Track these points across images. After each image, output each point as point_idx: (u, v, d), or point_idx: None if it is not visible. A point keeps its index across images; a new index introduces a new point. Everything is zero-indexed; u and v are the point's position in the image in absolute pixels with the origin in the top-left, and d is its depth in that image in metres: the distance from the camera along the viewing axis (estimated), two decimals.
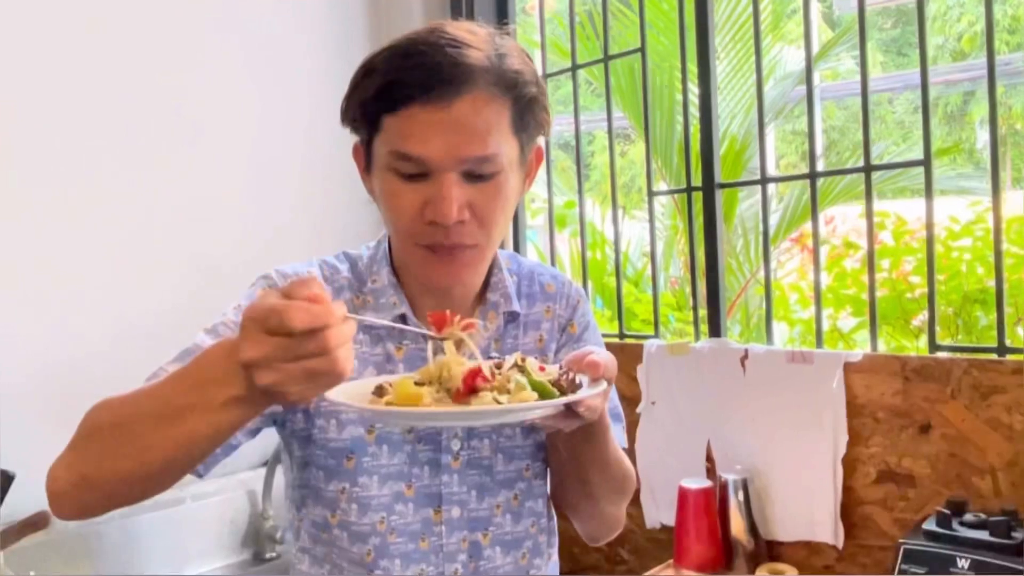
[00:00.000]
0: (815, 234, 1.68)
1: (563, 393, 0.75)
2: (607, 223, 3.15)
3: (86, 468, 0.74)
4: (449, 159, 0.82)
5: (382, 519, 0.92)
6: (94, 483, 0.74)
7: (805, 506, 1.57)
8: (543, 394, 0.73)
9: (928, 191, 1.49)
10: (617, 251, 2.01)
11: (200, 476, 0.86)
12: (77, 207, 1.63)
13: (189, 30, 1.79)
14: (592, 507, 0.99)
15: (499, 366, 0.77)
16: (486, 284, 0.96)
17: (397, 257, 0.94)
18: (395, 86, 0.82)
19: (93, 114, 1.65)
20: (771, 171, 4.14)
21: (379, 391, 0.77)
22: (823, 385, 1.54)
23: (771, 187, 3.15)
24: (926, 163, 1.48)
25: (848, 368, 1.52)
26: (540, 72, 2.09)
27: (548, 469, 1.01)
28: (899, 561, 1.26)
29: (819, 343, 1.64)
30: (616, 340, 1.98)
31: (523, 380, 0.74)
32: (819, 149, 5.23)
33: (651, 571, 1.65)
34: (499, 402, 0.72)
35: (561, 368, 0.80)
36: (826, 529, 1.54)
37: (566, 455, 0.93)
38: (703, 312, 1.84)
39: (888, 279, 1.97)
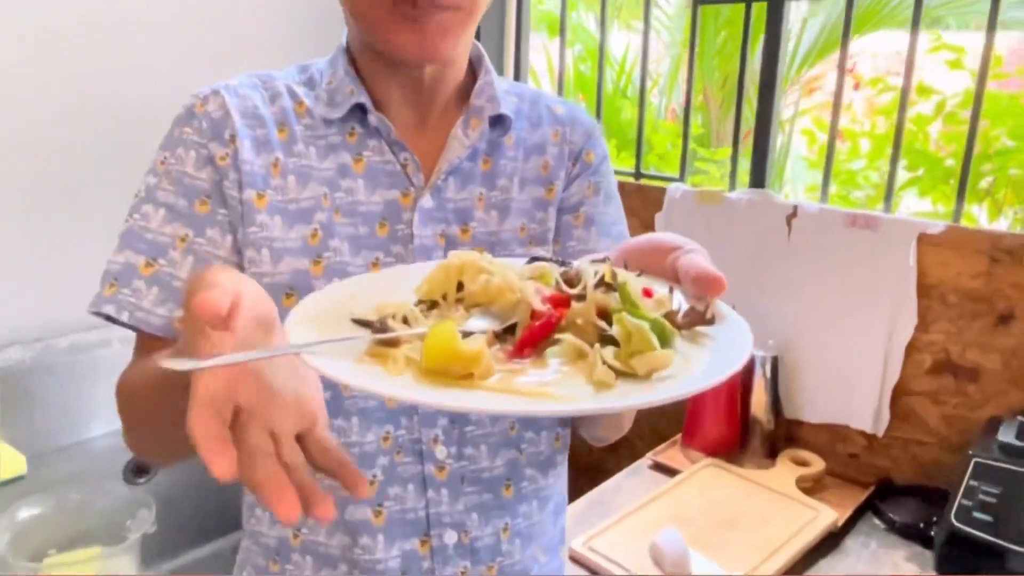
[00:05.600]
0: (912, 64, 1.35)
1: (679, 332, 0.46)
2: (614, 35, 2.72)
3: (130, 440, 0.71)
4: None
5: None
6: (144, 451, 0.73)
7: (843, 389, 1.38)
8: (663, 340, 0.44)
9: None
10: (644, 58, 1.67)
11: None
12: None
13: None
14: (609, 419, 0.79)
15: (571, 282, 0.49)
16: (472, 90, 0.76)
17: (356, 45, 0.75)
18: None
19: None
20: None
21: (379, 326, 0.45)
22: (888, 257, 1.30)
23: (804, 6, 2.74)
24: None
25: (921, 240, 1.28)
26: None
27: None
28: (967, 477, 1.08)
29: (887, 207, 1.38)
30: (631, 180, 1.69)
31: (643, 323, 0.44)
32: None
33: (655, 450, 1.47)
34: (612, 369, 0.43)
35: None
36: (864, 417, 1.36)
37: None
38: (740, 154, 1.55)
39: (957, 132, 1.68)
